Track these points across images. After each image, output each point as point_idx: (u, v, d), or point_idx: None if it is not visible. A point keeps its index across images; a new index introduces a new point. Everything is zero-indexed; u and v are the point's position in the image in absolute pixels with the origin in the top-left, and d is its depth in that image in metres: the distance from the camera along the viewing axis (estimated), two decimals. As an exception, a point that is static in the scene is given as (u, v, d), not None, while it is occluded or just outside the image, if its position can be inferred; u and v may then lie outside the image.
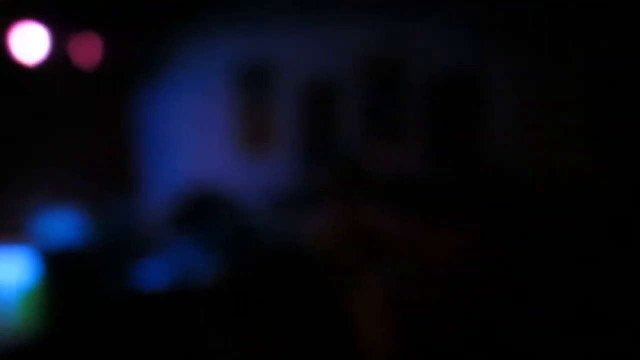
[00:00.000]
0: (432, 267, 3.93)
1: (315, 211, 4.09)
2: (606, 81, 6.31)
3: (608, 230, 4.52)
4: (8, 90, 5.58)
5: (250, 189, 7.10)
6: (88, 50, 6.27)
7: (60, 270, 1.76)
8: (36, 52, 5.49)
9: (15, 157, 5.95)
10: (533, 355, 4.22)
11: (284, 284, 1.22)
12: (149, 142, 7.85)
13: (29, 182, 5.89)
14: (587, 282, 4.15)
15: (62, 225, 4.83)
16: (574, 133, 6.40)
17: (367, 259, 3.00)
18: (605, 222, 4.70)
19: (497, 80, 6.70)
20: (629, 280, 4.03)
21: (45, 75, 6.07)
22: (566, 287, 4.06)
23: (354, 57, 7.28)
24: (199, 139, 8.10)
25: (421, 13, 6.92)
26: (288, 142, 7.66)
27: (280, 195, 6.03)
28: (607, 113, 6.29)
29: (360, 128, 7.28)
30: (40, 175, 6.05)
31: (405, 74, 7.11)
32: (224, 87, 7.92)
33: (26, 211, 5.02)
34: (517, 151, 6.56)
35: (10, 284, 3.40)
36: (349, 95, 7.33)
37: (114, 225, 5.36)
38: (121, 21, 6.67)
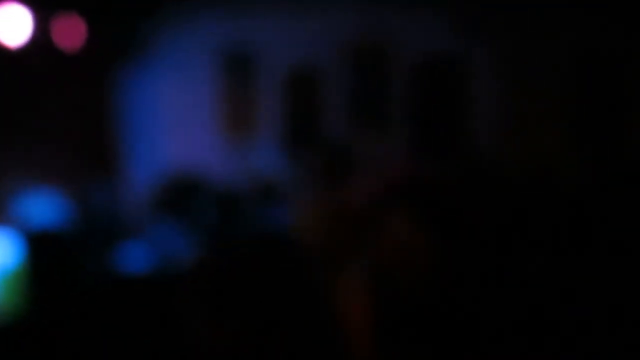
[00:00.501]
0: (415, 255, 3.94)
1: (298, 197, 4.10)
2: (588, 66, 6.36)
3: (588, 214, 4.55)
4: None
5: (233, 174, 7.09)
6: (71, 32, 6.23)
7: (42, 252, 1.75)
8: (19, 34, 5.48)
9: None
10: (516, 341, 4.27)
11: (265, 270, 1.23)
12: (131, 126, 7.81)
13: (11, 164, 5.86)
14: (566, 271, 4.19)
15: (44, 207, 4.81)
16: (556, 119, 6.44)
17: (350, 246, 3.01)
18: (585, 206, 4.72)
19: (480, 66, 6.72)
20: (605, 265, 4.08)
21: (28, 57, 6.04)
22: (548, 275, 4.10)
23: (338, 43, 7.28)
24: (181, 124, 8.07)
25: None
26: (271, 128, 7.65)
27: (263, 181, 6.02)
28: (589, 98, 6.34)
29: (343, 114, 7.29)
30: (23, 158, 6.03)
31: (388, 60, 7.11)
32: (206, 72, 7.89)
33: (8, 193, 5.00)
34: (499, 137, 6.60)
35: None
36: (332, 81, 7.33)
37: (96, 209, 5.34)
38: (104, 3, 6.62)
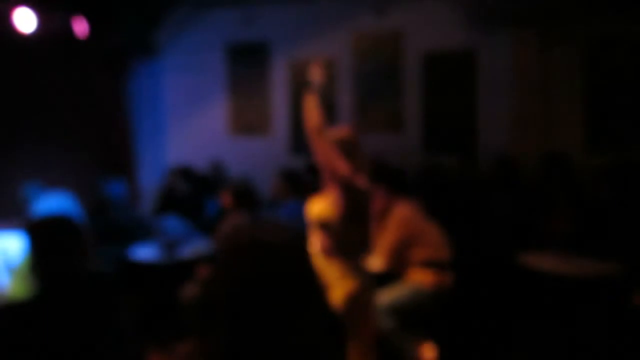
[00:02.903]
0: (423, 253, 3.96)
1: (308, 193, 4.11)
2: (601, 60, 6.32)
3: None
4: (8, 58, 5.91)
5: (244, 169, 7.12)
6: (78, 31, 6.31)
7: (50, 242, 1.78)
8: (30, 28, 5.83)
9: (11, 139, 6.02)
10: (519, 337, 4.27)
11: (268, 267, 1.24)
12: (143, 123, 7.85)
13: (27, 163, 5.93)
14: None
15: (57, 206, 4.84)
16: (571, 115, 6.41)
17: (359, 240, 3.02)
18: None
19: (491, 59, 6.70)
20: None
21: (41, 53, 6.17)
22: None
23: (349, 35, 7.28)
24: (193, 119, 8.11)
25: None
26: (283, 122, 7.67)
27: (274, 177, 6.05)
28: (602, 92, 6.30)
29: (355, 108, 7.28)
30: (35, 157, 6.08)
31: (402, 53, 7.10)
32: (218, 67, 7.92)
33: (23, 192, 5.05)
34: (512, 132, 6.58)
35: (6, 263, 3.47)
36: (345, 75, 7.33)
37: (109, 204, 5.37)
38: (115, 3, 6.69)
